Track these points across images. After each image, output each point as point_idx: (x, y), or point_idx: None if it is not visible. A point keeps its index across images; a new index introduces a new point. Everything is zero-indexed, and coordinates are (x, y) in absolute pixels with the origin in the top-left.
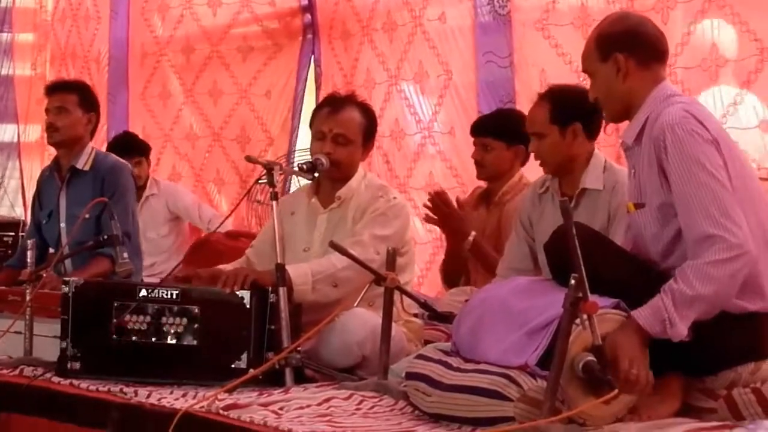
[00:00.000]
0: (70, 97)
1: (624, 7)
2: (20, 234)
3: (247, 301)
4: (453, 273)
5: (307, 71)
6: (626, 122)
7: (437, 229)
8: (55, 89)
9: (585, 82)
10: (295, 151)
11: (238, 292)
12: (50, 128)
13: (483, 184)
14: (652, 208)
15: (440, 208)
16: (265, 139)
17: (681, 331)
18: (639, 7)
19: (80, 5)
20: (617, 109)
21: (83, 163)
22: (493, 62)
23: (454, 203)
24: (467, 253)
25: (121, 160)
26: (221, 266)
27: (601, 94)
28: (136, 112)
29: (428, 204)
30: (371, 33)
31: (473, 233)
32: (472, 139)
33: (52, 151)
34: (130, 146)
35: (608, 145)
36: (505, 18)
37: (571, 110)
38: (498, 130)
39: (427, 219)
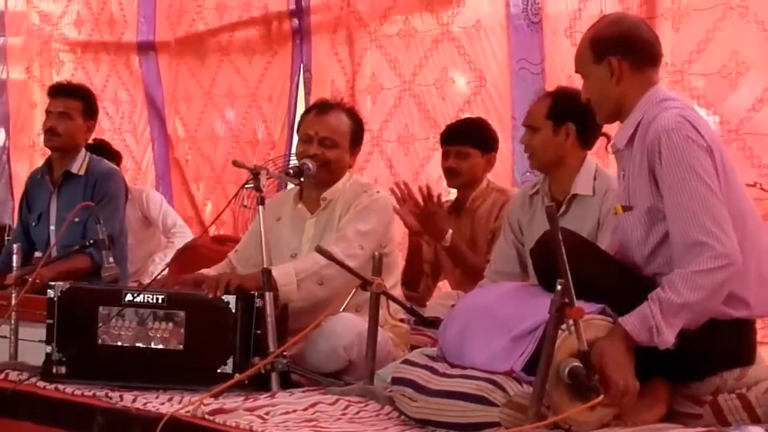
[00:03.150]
0: (74, 104)
1: (638, 12)
2: (7, 238)
3: (232, 305)
4: (412, 276)
5: (299, 76)
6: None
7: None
8: (60, 93)
9: None
10: (289, 155)
11: (224, 297)
12: (50, 132)
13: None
14: (640, 212)
15: (428, 204)
16: (269, 142)
17: (668, 338)
18: (649, 13)
19: (102, 11)
20: (609, 111)
21: (78, 167)
22: (527, 69)
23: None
24: (445, 254)
25: (114, 166)
26: (204, 270)
27: (594, 95)
28: (170, 114)
29: (416, 196)
30: (381, 38)
31: (450, 231)
32: (443, 148)
33: (41, 156)
34: (101, 153)
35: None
36: (538, 26)
37: (568, 110)
38: (475, 139)
39: (414, 215)
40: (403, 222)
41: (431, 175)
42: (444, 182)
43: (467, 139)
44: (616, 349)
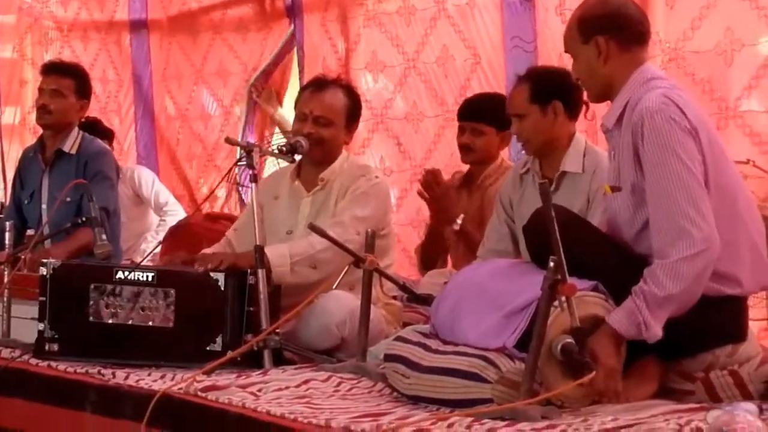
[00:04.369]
0: (67, 82)
1: None
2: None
3: (222, 283)
4: (432, 255)
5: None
6: (605, 105)
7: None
8: (52, 70)
9: None
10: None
11: (212, 274)
12: (42, 109)
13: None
14: (627, 192)
15: (432, 187)
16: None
17: (656, 332)
18: None
19: None
20: (598, 91)
21: (70, 146)
22: (520, 47)
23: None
24: (454, 236)
25: (105, 145)
26: (205, 251)
27: (583, 75)
28: (159, 93)
29: (420, 181)
30: (379, 16)
31: (461, 216)
32: (459, 123)
33: (32, 134)
34: (93, 131)
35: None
36: (530, 3)
37: (550, 88)
38: (491, 116)
39: (420, 195)
40: (430, 209)
41: (443, 152)
42: (456, 158)
43: (483, 116)
44: (606, 350)
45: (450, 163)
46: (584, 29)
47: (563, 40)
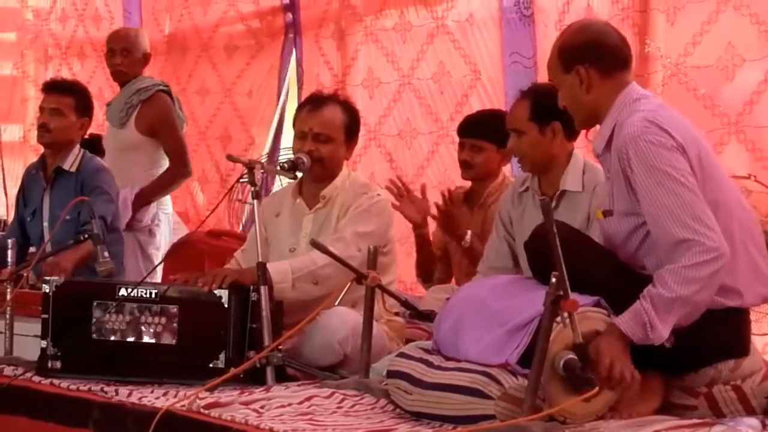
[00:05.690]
0: (67, 100)
1: (626, 7)
2: (0, 233)
3: (225, 300)
4: (427, 266)
5: (288, 71)
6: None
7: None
8: (53, 89)
9: None
10: (280, 149)
11: (216, 292)
12: (42, 128)
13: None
14: (620, 216)
15: (448, 207)
16: (246, 138)
17: (662, 334)
18: (642, 6)
19: (87, 6)
20: (585, 118)
21: (70, 164)
22: (519, 63)
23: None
24: (460, 252)
25: (104, 163)
26: (212, 270)
27: (568, 103)
28: None
29: (438, 203)
30: (377, 33)
31: (470, 232)
32: (459, 139)
33: (33, 151)
34: (95, 149)
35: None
36: (530, 19)
37: (551, 109)
38: (491, 133)
39: (433, 216)
40: (405, 217)
41: (436, 169)
42: (450, 176)
43: (482, 133)
44: (612, 348)
45: (443, 181)
46: (564, 59)
47: (547, 69)
